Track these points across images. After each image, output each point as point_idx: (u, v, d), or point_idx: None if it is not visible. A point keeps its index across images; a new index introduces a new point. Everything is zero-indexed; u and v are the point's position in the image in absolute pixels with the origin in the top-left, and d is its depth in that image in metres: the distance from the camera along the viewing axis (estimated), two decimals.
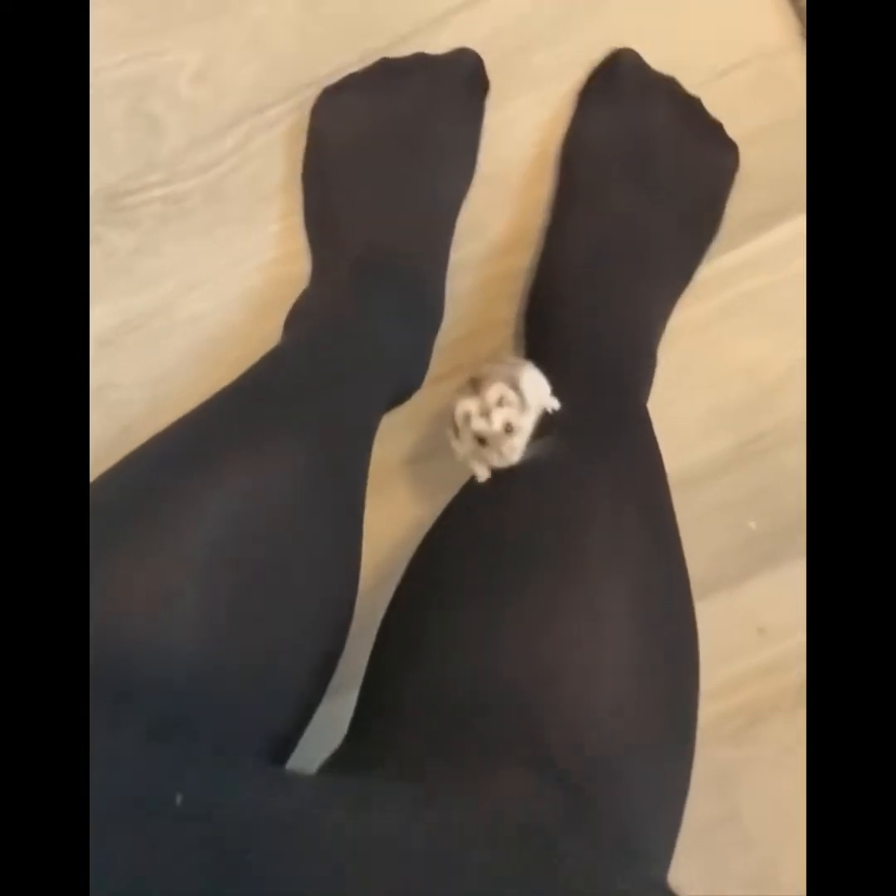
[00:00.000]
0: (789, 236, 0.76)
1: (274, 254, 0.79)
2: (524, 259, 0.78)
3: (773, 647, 0.78)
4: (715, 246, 0.77)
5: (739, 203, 0.76)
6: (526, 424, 0.60)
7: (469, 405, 0.61)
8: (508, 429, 0.59)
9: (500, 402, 0.60)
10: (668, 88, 0.75)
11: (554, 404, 0.62)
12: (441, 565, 0.58)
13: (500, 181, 0.77)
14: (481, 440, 0.60)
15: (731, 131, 0.75)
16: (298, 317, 0.73)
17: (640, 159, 0.75)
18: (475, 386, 0.62)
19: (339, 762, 0.48)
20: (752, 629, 0.78)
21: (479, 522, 0.58)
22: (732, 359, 0.78)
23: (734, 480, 0.78)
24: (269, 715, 0.49)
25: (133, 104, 0.78)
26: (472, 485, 0.61)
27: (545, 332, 0.73)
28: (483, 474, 0.60)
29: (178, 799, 0.34)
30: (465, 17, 0.76)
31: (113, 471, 0.56)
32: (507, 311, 0.78)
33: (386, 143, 0.76)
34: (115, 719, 0.37)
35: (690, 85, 0.75)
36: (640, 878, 0.38)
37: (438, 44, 0.76)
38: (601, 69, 0.75)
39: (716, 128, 0.75)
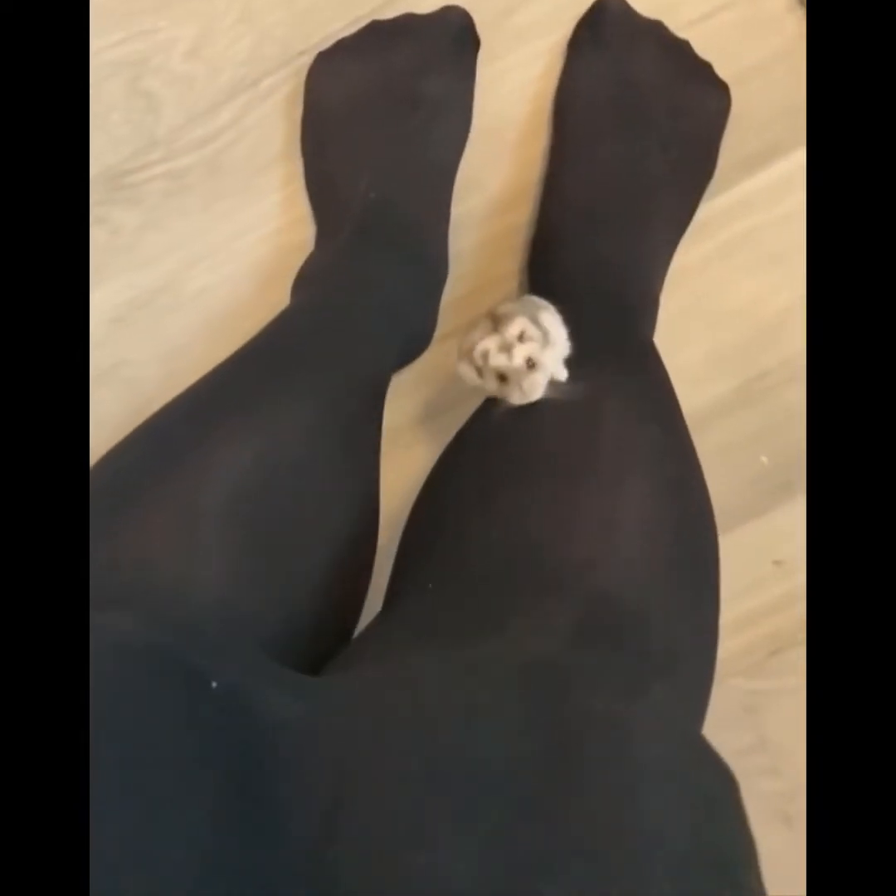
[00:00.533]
0: (781, 174, 0.77)
1: (277, 223, 0.81)
2: (524, 214, 0.79)
3: (789, 578, 0.80)
4: (709, 187, 0.78)
5: (731, 143, 0.77)
6: (548, 360, 0.58)
7: (489, 343, 0.59)
8: (531, 364, 0.57)
9: (522, 337, 0.58)
10: (656, 33, 0.76)
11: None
12: (456, 472, 0.60)
13: (496, 137, 0.78)
14: (502, 377, 0.58)
15: (720, 72, 0.76)
16: (305, 281, 0.75)
17: (633, 105, 0.75)
18: (495, 322, 0.60)
19: (373, 633, 0.51)
20: (768, 562, 0.80)
21: (494, 435, 0.59)
22: (732, 299, 0.79)
23: (742, 418, 0.79)
24: (297, 637, 0.51)
25: (130, 83, 0.79)
26: (481, 412, 0.61)
27: (548, 280, 0.74)
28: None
29: (214, 684, 0.35)
30: None
31: (128, 438, 0.58)
32: (510, 265, 0.79)
33: (381, 104, 0.77)
34: (147, 625, 0.39)
35: (677, 27, 0.76)
36: (650, 709, 0.39)
37: (427, 4, 0.77)
38: (588, 18, 0.76)
39: (705, 69, 0.76)
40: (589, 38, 0.76)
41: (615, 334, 0.66)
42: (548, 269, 0.75)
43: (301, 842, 0.32)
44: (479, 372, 0.59)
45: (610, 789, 0.33)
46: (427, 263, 0.75)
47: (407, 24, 0.77)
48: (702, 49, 0.76)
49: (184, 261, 0.81)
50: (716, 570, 0.56)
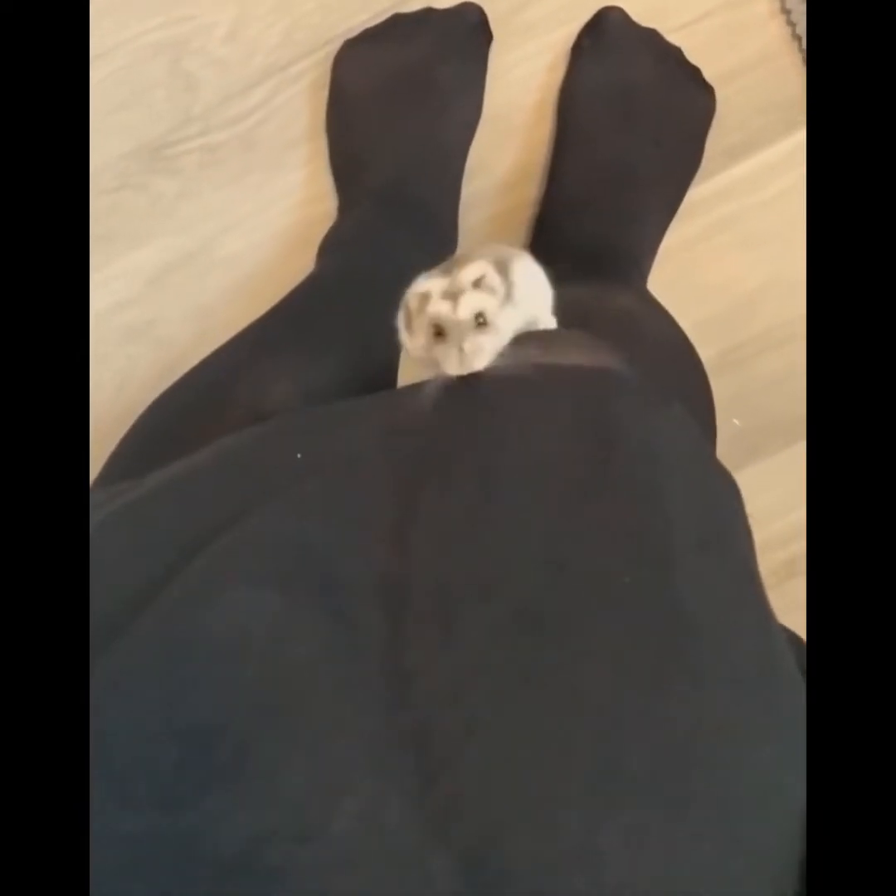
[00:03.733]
0: (761, 164, 0.86)
1: (302, 195, 0.88)
2: (528, 193, 0.87)
3: (760, 531, 0.88)
4: (696, 176, 0.86)
5: (716, 136, 0.85)
6: (505, 324, 0.45)
7: (431, 284, 0.45)
8: (480, 321, 0.44)
9: (478, 284, 0.45)
10: (651, 41, 0.84)
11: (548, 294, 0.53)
12: None
13: (504, 123, 0.86)
14: (439, 332, 0.44)
15: (707, 72, 0.84)
16: (329, 249, 0.83)
17: (629, 105, 0.84)
18: (452, 265, 0.47)
19: None
20: None
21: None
22: (713, 276, 0.87)
23: (718, 384, 0.87)
24: None
25: (171, 64, 0.87)
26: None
27: (548, 254, 0.82)
28: (432, 383, 0.44)
29: (298, 455, 0.43)
30: None
31: (171, 389, 0.67)
32: (514, 240, 0.87)
33: (400, 90, 0.85)
34: None
35: (670, 29, 0.84)
36: (673, 419, 0.45)
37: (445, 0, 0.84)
38: (590, 26, 0.84)
39: (694, 73, 0.84)
40: (590, 44, 0.84)
41: (610, 282, 0.74)
42: (549, 245, 0.84)
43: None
44: (408, 323, 0.47)
45: (638, 482, 0.40)
46: (439, 235, 0.84)
47: (426, 18, 0.84)
48: (691, 49, 0.84)
49: (216, 228, 0.88)
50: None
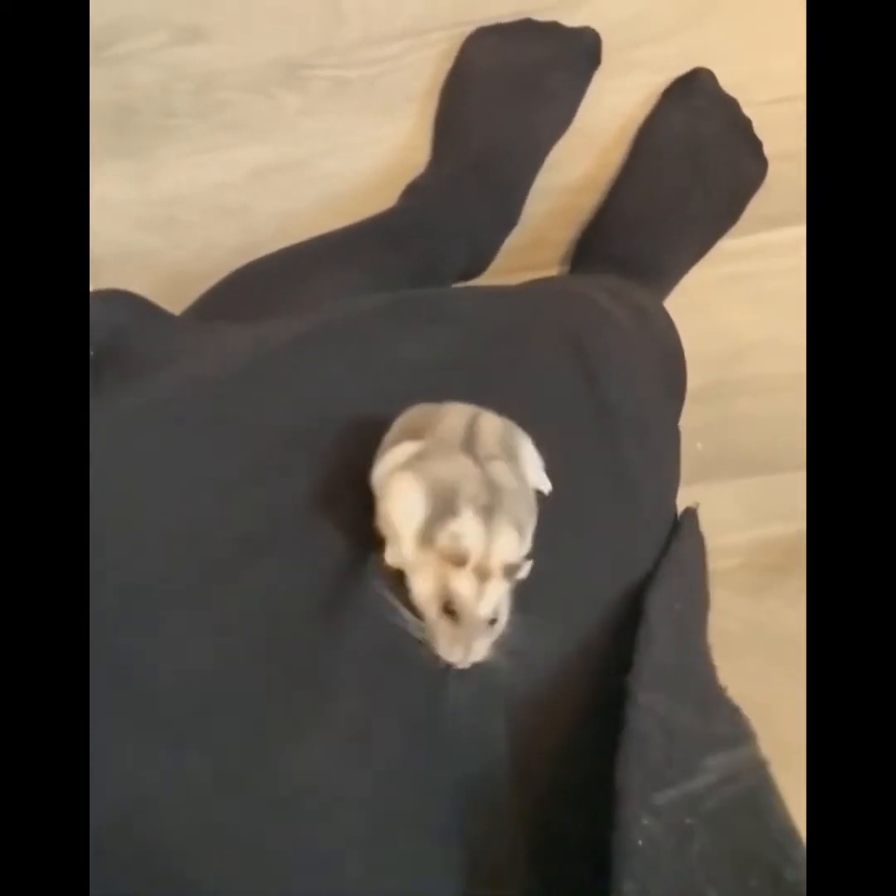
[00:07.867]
0: (791, 238, 0.99)
1: (403, 142, 1.02)
2: (589, 200, 1.01)
3: None
4: (731, 230, 0.99)
5: (758, 202, 0.99)
6: (505, 618, 0.38)
7: (468, 529, 0.37)
8: (492, 620, 0.37)
9: (509, 572, 0.37)
10: (729, 107, 0.97)
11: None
12: None
13: (587, 137, 1.00)
14: (449, 610, 0.37)
15: (768, 147, 0.97)
16: (411, 192, 0.97)
17: (695, 154, 0.97)
18: (489, 500, 0.38)
19: None
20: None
21: None
22: (717, 320, 1.01)
23: (694, 411, 0.99)
24: None
25: None
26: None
27: (591, 256, 0.96)
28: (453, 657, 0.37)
29: None
30: (597, 5, 0.97)
31: (266, 256, 0.81)
32: (563, 235, 1.02)
33: (511, 81, 0.98)
34: None
35: (749, 102, 0.97)
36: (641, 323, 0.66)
37: (573, 19, 0.98)
38: (683, 79, 0.97)
39: (757, 145, 0.98)
40: (679, 94, 0.97)
41: (633, 282, 0.89)
42: (592, 247, 0.98)
43: None
44: (408, 571, 0.38)
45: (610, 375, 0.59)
46: (507, 209, 0.98)
47: (552, 29, 0.98)
48: (761, 125, 0.97)
49: (326, 147, 1.02)
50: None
